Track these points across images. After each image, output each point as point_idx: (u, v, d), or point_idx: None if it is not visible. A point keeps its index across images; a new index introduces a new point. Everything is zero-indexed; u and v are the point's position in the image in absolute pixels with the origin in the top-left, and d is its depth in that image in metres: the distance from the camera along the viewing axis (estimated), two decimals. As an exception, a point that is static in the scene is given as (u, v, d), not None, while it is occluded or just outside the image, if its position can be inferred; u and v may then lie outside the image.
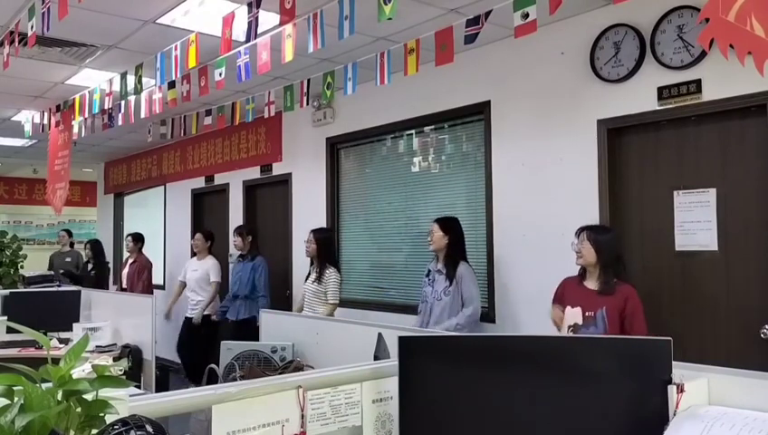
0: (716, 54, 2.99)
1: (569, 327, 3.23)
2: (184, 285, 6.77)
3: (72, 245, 9.12)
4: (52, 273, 8.59)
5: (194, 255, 6.87)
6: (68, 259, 8.74)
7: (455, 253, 4.12)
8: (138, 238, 7.41)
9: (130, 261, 7.33)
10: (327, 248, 4.96)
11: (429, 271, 4.25)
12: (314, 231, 5.03)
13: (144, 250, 7.48)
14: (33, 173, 12.12)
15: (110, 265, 8.77)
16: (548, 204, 4.16)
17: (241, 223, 6.76)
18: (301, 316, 4.20)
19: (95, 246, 8.35)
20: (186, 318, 6.64)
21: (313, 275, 4.92)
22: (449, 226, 4.18)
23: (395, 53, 3.68)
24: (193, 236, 6.93)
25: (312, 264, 4.97)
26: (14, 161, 10.68)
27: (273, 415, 1.52)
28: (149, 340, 4.56)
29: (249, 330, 5.46)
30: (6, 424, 1.05)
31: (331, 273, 4.83)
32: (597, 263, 3.23)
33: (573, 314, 3.22)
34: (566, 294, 3.34)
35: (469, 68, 4.61)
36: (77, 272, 8.38)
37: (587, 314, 3.17)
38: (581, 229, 3.33)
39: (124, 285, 7.20)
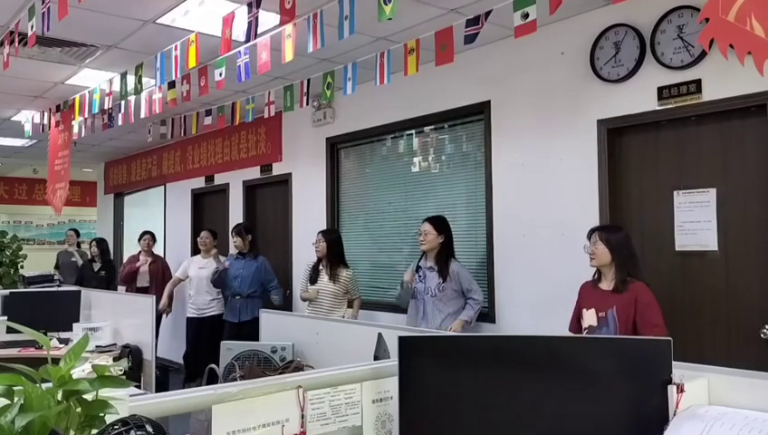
0: (716, 54, 2.99)
1: (585, 329, 3.21)
2: (179, 281, 6.67)
3: (78, 245, 9.14)
4: (52, 273, 8.59)
5: (194, 253, 6.83)
6: (73, 259, 8.75)
7: (446, 251, 4.25)
8: (154, 237, 7.43)
9: (150, 260, 7.30)
10: (337, 248, 5.04)
11: (420, 268, 4.32)
12: (323, 232, 5.14)
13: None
14: (33, 173, 12.12)
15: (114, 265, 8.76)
16: (548, 204, 4.15)
17: (240, 223, 6.72)
18: (301, 316, 4.21)
19: (101, 244, 8.27)
20: (189, 319, 6.47)
21: (325, 277, 4.94)
22: (442, 226, 4.29)
23: (395, 53, 3.68)
24: (198, 235, 6.83)
25: (318, 264, 5.00)
26: (14, 161, 10.68)
27: (273, 415, 1.52)
28: (149, 340, 4.57)
29: (254, 330, 5.42)
30: (6, 424, 1.05)
31: (349, 273, 5.00)
32: (611, 263, 3.17)
33: (589, 316, 3.19)
34: (583, 297, 3.30)
35: (469, 68, 4.61)
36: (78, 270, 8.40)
37: (600, 314, 3.14)
38: (593, 230, 3.28)
39: (143, 284, 7.13)
